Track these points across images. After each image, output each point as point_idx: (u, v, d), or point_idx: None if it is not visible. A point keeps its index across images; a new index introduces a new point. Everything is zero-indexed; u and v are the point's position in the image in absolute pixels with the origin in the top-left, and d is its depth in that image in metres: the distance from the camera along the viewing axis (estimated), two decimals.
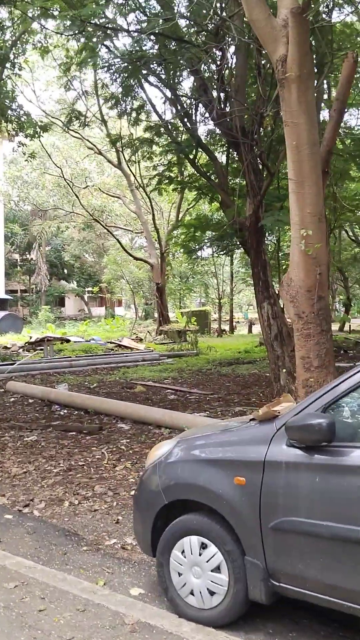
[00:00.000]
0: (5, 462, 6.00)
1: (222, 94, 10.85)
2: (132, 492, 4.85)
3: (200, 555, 2.75)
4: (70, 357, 15.31)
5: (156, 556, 2.96)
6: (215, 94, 11.20)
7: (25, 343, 21.68)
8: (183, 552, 2.82)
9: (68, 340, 21.41)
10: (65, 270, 54.48)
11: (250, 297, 56.91)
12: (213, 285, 41.17)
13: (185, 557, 2.80)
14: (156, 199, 28.21)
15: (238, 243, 17.05)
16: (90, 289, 54.48)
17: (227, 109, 10.93)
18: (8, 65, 19.20)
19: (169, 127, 16.08)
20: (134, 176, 24.87)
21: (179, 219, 25.91)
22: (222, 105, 10.52)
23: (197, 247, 16.07)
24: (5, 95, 20.61)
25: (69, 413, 8.61)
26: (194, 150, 16.12)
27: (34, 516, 4.48)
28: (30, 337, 22.57)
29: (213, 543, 2.71)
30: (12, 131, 20.96)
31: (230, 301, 35.43)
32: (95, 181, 32.21)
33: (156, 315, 42.57)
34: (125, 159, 24.99)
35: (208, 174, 16.08)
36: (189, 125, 15.76)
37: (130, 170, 25.23)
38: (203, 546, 2.75)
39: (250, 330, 34.88)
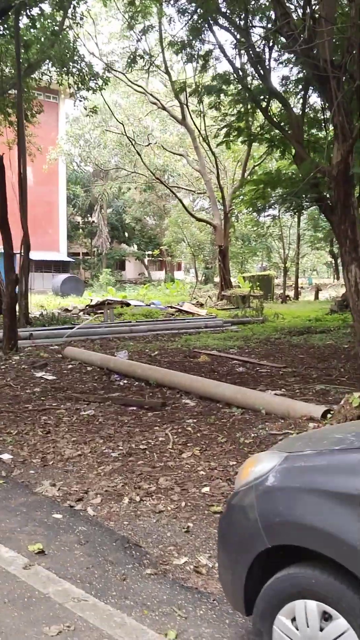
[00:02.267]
0: (59, 442, 5.33)
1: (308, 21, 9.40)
2: (204, 490, 4.04)
3: (321, 630, 1.86)
4: (130, 321, 14.66)
5: (252, 620, 2.10)
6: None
7: (86, 306, 21.32)
8: (294, 620, 1.94)
9: (128, 304, 20.83)
10: (126, 234, 54.05)
11: (314, 261, 54.64)
12: (277, 249, 39.49)
13: (298, 630, 1.92)
14: (220, 157, 26.77)
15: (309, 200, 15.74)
16: (150, 252, 53.91)
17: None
18: (69, 13, 18.20)
19: (240, 73, 14.70)
20: (199, 132, 23.51)
21: (245, 177, 24.45)
22: (307, 35, 9.14)
23: (266, 205, 14.79)
24: (66, 46, 19.67)
25: (128, 384, 7.89)
26: (267, 99, 14.72)
27: (88, 516, 3.75)
28: (91, 300, 22.20)
29: (343, 615, 1.81)
30: (74, 85, 20.11)
31: (297, 265, 33.74)
32: (158, 139, 30.98)
33: (217, 279, 41.50)
34: (189, 113, 23.66)
35: (281, 124, 14.68)
36: (262, 72, 14.34)
37: (195, 125, 23.88)
38: (326, 616, 1.86)
39: (316, 297, 33.21)
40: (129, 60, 16.84)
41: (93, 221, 50.67)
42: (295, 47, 9.27)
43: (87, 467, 4.68)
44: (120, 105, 33.06)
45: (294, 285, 35.96)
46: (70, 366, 9.22)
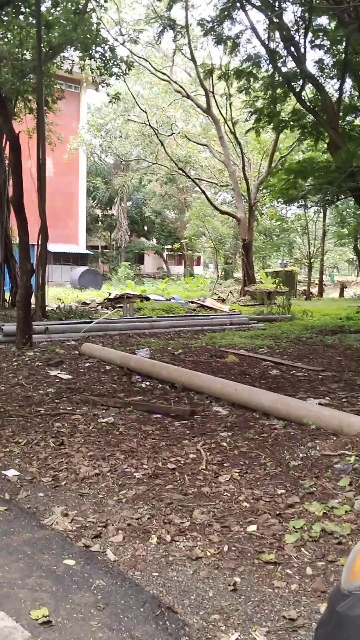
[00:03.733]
0: (74, 456, 4.59)
1: None
2: (250, 529, 3.26)
3: None
4: (151, 317, 13.90)
5: None
6: None
7: (104, 299, 20.64)
8: None
9: (148, 299, 20.09)
10: (145, 227, 53.36)
11: (336, 258, 53.30)
12: (298, 245, 38.37)
13: None
14: (245, 148, 25.81)
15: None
16: (169, 246, 53.17)
17: None
18: None
19: (273, 55, 13.81)
20: (224, 120, 22.60)
21: (272, 167, 23.51)
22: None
23: (298, 195, 13.89)
24: (89, 30, 18.90)
25: (151, 386, 7.14)
26: (301, 82, 13.81)
27: (107, 561, 2.99)
28: (110, 294, 21.51)
29: None
30: (97, 70, 19.38)
31: (321, 262, 32.66)
32: (181, 129, 30.12)
33: (236, 275, 40.58)
34: (215, 101, 22.78)
35: (315, 110, 13.77)
36: (296, 54, 13.42)
37: (221, 113, 22.98)
38: None
39: (341, 294, 32.19)
40: (159, 31, 15.97)
41: (112, 214, 50.04)
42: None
43: (106, 491, 3.93)
44: (143, 95, 32.25)
45: (316, 282, 34.88)
46: (87, 364, 8.49)
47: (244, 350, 9.99)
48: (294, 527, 3.32)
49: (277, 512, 3.53)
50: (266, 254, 37.78)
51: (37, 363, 8.51)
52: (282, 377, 7.63)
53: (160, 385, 7.15)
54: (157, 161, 32.73)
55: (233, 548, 3.14)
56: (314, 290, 33.14)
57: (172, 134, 27.85)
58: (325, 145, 15.16)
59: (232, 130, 22.36)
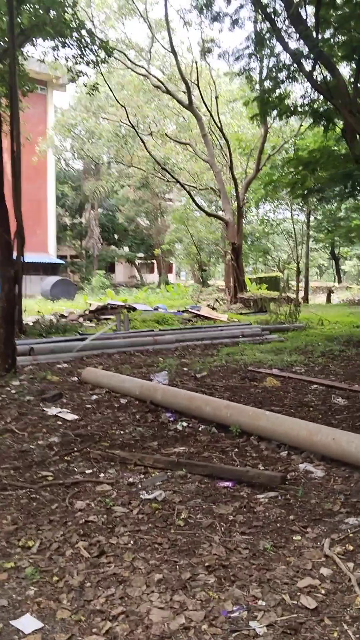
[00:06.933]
0: (129, 581, 2.70)
1: None
2: None
3: None
4: (152, 330, 12.02)
5: None
6: None
7: (85, 311, 18.64)
8: None
9: (134, 309, 18.19)
10: (116, 235, 51.45)
11: (318, 261, 52.42)
12: (278, 247, 37.09)
13: None
14: (225, 149, 24.19)
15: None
16: (141, 254, 51.44)
17: None
18: None
19: (281, 30, 12.24)
20: (210, 114, 20.95)
21: (260, 167, 22.00)
22: None
23: (313, 188, 12.27)
24: (63, 13, 16.96)
25: (192, 429, 5.29)
26: (313, 62, 12.25)
27: None
28: (90, 305, 19.49)
29: None
30: (72, 59, 17.59)
31: (306, 266, 31.36)
32: (159, 128, 28.40)
33: (210, 282, 39.00)
34: (201, 94, 21.13)
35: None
36: (304, 31, 11.87)
37: (207, 107, 21.33)
38: None
39: (328, 300, 30.95)
40: None
41: (81, 222, 47.97)
42: None
43: None
44: (111, 97, 30.41)
45: (297, 288, 33.56)
46: (94, 397, 6.57)
47: (277, 370, 8.23)
48: None
49: None
50: (256, 258, 36.28)
51: (27, 397, 6.54)
52: (357, 408, 5.87)
53: (203, 426, 5.31)
54: (131, 164, 30.94)
55: None
56: (293, 295, 31.78)
57: (151, 132, 26.07)
58: (335, 135, 13.66)
59: (219, 126, 20.75)
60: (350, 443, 3.93)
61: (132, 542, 3.12)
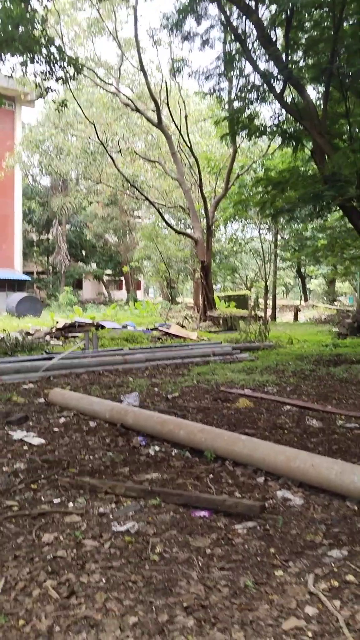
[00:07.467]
0: (102, 625, 2.49)
1: None
2: None
3: None
4: (122, 349, 11.79)
5: None
6: None
7: (52, 328, 18.28)
8: None
9: (102, 327, 17.93)
10: (84, 252, 51.12)
11: (284, 279, 53.13)
12: (246, 266, 37.40)
13: None
14: (195, 168, 24.37)
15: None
16: (109, 271, 51.17)
17: None
18: None
19: (251, 51, 12.41)
20: (180, 132, 21.07)
21: (229, 186, 22.19)
22: None
23: (282, 208, 12.37)
24: (31, 30, 16.88)
25: (164, 453, 5.10)
26: (282, 84, 12.45)
27: None
28: (57, 322, 19.12)
29: None
30: (40, 75, 17.50)
31: (274, 284, 31.67)
32: (128, 146, 28.45)
33: (179, 299, 39.00)
34: (170, 113, 21.27)
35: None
36: (274, 53, 12.08)
37: (177, 126, 21.45)
38: None
39: (296, 318, 31.26)
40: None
41: (49, 238, 47.51)
42: None
43: None
44: (80, 115, 30.37)
45: (265, 306, 33.82)
46: (62, 419, 6.32)
47: (249, 390, 8.13)
48: None
49: None
50: (223, 277, 36.49)
51: None
52: (332, 430, 5.78)
53: (176, 451, 5.13)
54: (100, 181, 30.82)
55: None
56: (261, 314, 32.01)
57: (120, 150, 26.07)
58: (303, 156, 13.87)
59: (189, 145, 20.88)
60: (330, 469, 3.81)
61: (104, 580, 2.91)
